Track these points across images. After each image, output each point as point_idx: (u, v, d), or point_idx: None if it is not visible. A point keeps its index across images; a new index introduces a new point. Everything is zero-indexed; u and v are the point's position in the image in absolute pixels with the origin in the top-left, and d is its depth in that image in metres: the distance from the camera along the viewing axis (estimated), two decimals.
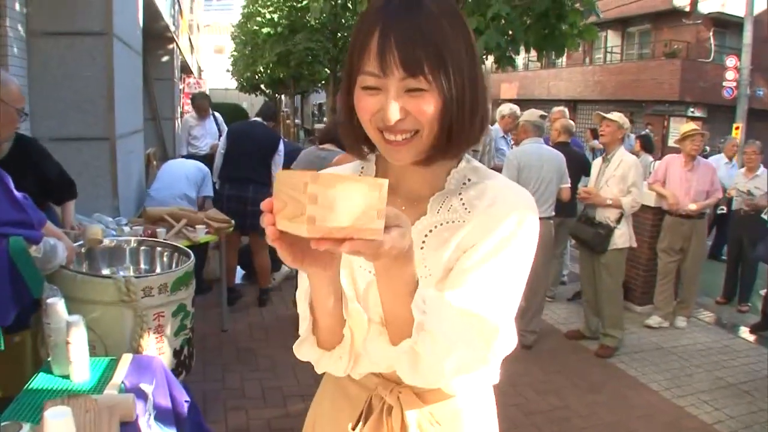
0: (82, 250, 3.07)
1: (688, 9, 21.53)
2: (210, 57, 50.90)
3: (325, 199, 0.69)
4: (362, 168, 1.19)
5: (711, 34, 22.13)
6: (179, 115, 12.06)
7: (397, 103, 0.95)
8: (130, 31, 5.42)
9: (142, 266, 3.23)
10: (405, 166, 1.04)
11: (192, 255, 3.12)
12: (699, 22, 21.71)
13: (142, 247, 3.27)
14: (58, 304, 2.23)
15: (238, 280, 6.01)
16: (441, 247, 1.04)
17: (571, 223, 5.34)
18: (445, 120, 0.97)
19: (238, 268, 5.98)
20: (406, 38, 0.92)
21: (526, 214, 1.03)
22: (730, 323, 6.00)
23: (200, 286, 5.64)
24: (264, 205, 0.79)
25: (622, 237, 4.78)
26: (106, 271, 3.13)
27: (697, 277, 5.73)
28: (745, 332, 5.70)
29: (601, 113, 4.94)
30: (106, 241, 3.19)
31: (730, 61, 19.11)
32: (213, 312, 5.17)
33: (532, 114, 4.98)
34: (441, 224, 1.06)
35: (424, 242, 1.06)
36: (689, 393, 4.31)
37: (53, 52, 4.44)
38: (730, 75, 19.01)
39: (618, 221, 4.76)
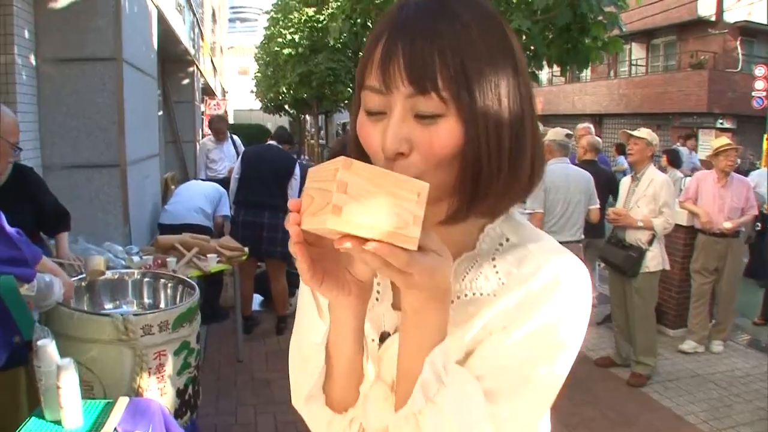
0: (83, 284, 2.94)
1: (714, 19, 21.16)
2: (234, 78, 51.60)
3: (355, 188, 0.61)
4: None
5: (738, 43, 21.70)
6: (201, 137, 12.07)
7: (400, 129, 0.73)
8: (143, 56, 5.36)
9: (146, 300, 3.10)
10: None
11: (197, 289, 2.97)
12: (725, 31, 21.32)
13: (146, 279, 3.14)
14: (48, 347, 2.12)
15: (255, 306, 5.87)
16: (464, 324, 0.82)
17: (600, 244, 5.13)
18: (467, 161, 0.74)
19: (256, 294, 5.85)
20: (416, 42, 0.71)
21: (577, 294, 0.80)
22: None
23: (217, 313, 5.56)
24: (291, 204, 0.68)
25: (655, 260, 4.54)
26: (108, 305, 3.01)
27: (734, 298, 5.47)
28: None
29: (628, 131, 4.71)
30: (109, 274, 3.06)
31: (759, 71, 18.70)
32: (229, 341, 5.04)
33: (558, 133, 4.76)
34: (466, 295, 0.83)
35: None
36: (729, 426, 4.04)
37: (63, 78, 4.38)
38: (759, 85, 18.58)
39: (650, 243, 4.53)
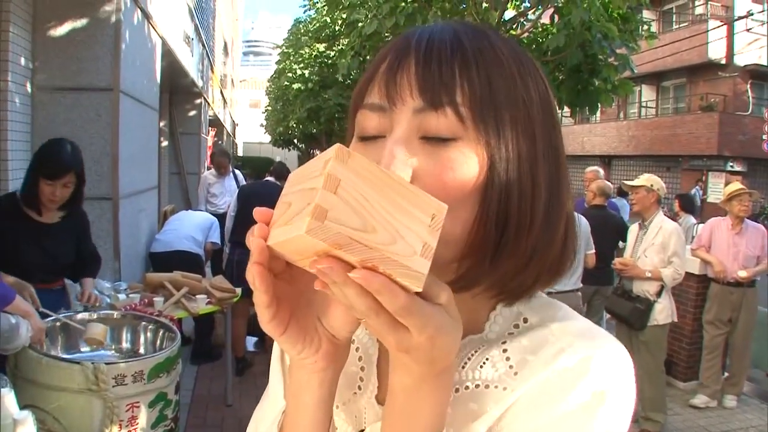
0: (58, 324, 2.77)
1: (724, 62, 21.21)
2: (246, 111, 52.12)
3: (349, 189, 0.45)
4: None
5: (748, 86, 21.73)
6: (206, 169, 12.04)
7: (402, 150, 0.56)
8: (143, 87, 5.27)
9: (124, 345, 2.92)
10: None
11: (178, 335, 2.79)
12: (736, 74, 21.34)
13: (126, 321, 2.96)
14: (6, 397, 1.95)
15: (249, 347, 5.68)
16: (464, 425, 0.63)
17: (607, 292, 4.93)
18: (488, 202, 0.57)
19: (250, 335, 5.67)
20: (433, 52, 0.58)
21: (615, 377, 0.60)
22: None
23: (209, 353, 5.37)
24: (259, 213, 0.52)
25: (663, 312, 4.33)
26: (85, 349, 2.83)
27: (748, 350, 5.24)
28: None
29: (625, 181, 4.54)
30: (85, 315, 2.89)
31: None
32: (218, 383, 4.83)
33: None
34: (467, 387, 0.64)
35: None
36: None
37: (57, 107, 4.28)
38: None
39: (658, 294, 4.32)
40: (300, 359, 0.58)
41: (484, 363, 0.64)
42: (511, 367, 0.63)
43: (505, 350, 0.64)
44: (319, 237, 0.44)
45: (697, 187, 19.44)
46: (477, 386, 0.64)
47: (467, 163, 0.56)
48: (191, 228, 5.35)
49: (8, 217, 2.86)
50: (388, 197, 0.46)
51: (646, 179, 4.45)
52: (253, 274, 0.51)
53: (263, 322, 0.53)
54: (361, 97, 0.63)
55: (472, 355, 0.65)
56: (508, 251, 0.59)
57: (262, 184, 5.48)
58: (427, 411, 0.54)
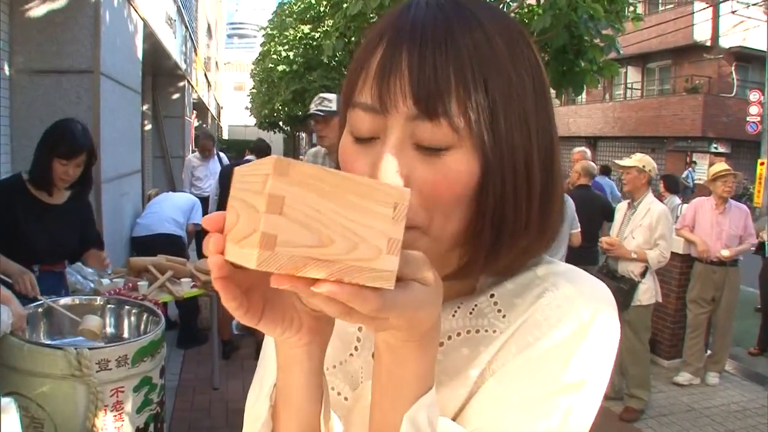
0: (40, 310, 2.74)
1: (709, 44, 21.29)
2: (230, 94, 51.69)
3: (297, 205, 0.42)
4: None
5: (733, 68, 21.86)
6: (190, 153, 11.96)
7: (396, 160, 0.56)
8: (125, 70, 5.20)
9: (108, 329, 2.89)
10: None
11: (162, 319, 2.78)
12: (720, 56, 21.43)
13: (110, 306, 2.94)
14: None
15: (236, 330, 5.67)
16: (457, 369, 0.64)
17: (592, 271, 4.94)
18: (485, 206, 0.58)
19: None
20: (426, 50, 0.55)
21: (597, 311, 0.62)
22: (766, 378, 5.51)
23: (195, 336, 5.35)
24: (209, 220, 0.49)
25: (647, 293, 4.36)
26: (69, 334, 2.80)
27: (730, 329, 5.31)
28: None
29: (617, 162, 4.53)
30: (69, 300, 2.86)
31: (754, 96, 18.81)
32: (205, 366, 4.83)
33: None
34: (458, 333, 0.66)
35: None
36: None
37: (37, 90, 4.21)
38: (753, 110, 18.67)
39: (642, 275, 4.35)
40: (283, 339, 0.57)
41: (473, 310, 0.66)
42: (499, 311, 0.65)
43: (492, 295, 0.66)
44: (272, 267, 0.41)
45: (689, 169, 19.57)
46: (468, 332, 0.65)
47: (462, 171, 0.56)
48: (172, 210, 5.32)
49: (14, 198, 2.87)
50: (342, 200, 0.43)
51: (638, 160, 4.42)
52: (217, 287, 0.49)
53: (238, 318, 0.52)
54: (352, 90, 0.61)
55: (461, 305, 0.67)
56: (505, 250, 0.61)
57: (243, 163, 5.45)
58: (413, 369, 0.54)
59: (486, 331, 0.65)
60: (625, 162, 4.45)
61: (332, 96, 3.51)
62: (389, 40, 0.57)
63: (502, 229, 0.59)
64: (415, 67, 0.55)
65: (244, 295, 0.51)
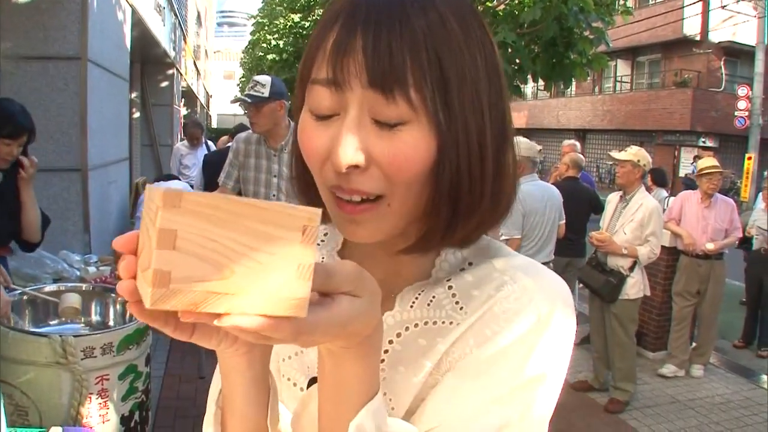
0: (25, 298, 2.73)
1: (698, 38, 21.38)
2: (220, 83, 51.37)
3: (191, 237, 0.39)
4: (325, 235, 0.79)
5: (722, 63, 21.96)
6: (179, 141, 11.90)
7: (355, 136, 0.57)
8: (113, 57, 5.15)
9: (94, 317, 2.88)
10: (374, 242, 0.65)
11: None
12: (710, 51, 21.53)
13: (95, 294, 2.92)
14: None
15: None
16: (414, 361, 0.65)
17: (579, 264, 4.97)
18: (442, 181, 0.59)
19: None
20: (380, 28, 0.56)
21: (555, 305, 0.63)
22: (750, 371, 5.59)
23: None
24: (119, 242, 0.46)
25: (635, 287, 4.37)
26: (53, 322, 2.79)
27: (715, 321, 5.35)
28: (766, 381, 5.29)
29: (612, 154, 4.50)
30: (54, 287, 2.85)
31: (742, 91, 18.91)
32: (192, 355, 4.81)
33: (531, 149, 4.42)
34: (416, 324, 0.66)
35: (386, 352, 0.67)
36: None
37: (24, 77, 4.16)
38: (741, 104, 18.78)
39: (631, 269, 4.36)
40: (221, 350, 0.57)
41: (430, 301, 0.67)
42: (457, 303, 0.66)
43: (450, 287, 0.67)
44: (169, 304, 0.39)
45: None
46: (425, 323, 0.66)
47: (419, 146, 0.57)
48: None
49: None
50: (241, 228, 0.41)
51: (633, 154, 4.37)
52: (133, 314, 0.47)
53: (168, 334, 0.49)
54: (310, 67, 0.61)
55: (419, 295, 0.67)
56: (461, 223, 0.62)
57: (226, 150, 5.37)
58: (355, 373, 0.54)
59: (443, 322, 0.65)
60: (621, 155, 4.42)
61: (266, 80, 3.35)
62: (345, 20, 0.58)
63: (458, 203, 0.61)
64: (369, 45, 0.56)
65: (170, 320, 0.47)
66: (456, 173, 0.59)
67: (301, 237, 0.42)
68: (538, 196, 4.31)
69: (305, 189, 0.71)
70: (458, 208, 0.61)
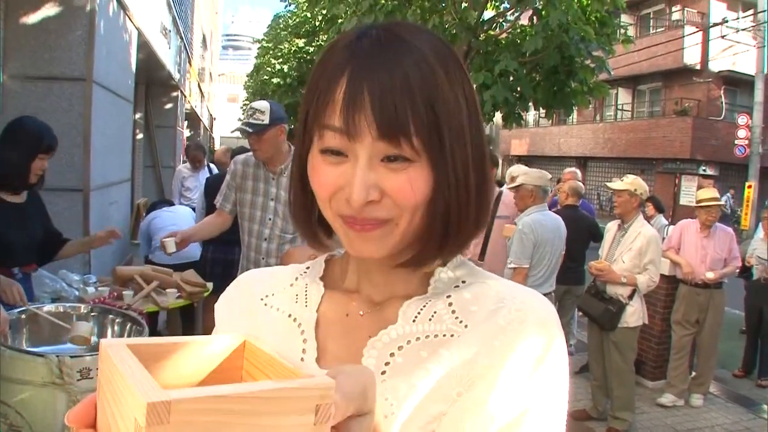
0: (23, 317, 2.72)
1: (699, 67, 21.53)
2: (223, 105, 51.70)
3: None
4: (305, 270, 0.84)
5: (722, 92, 22.09)
6: (181, 163, 11.95)
7: (369, 177, 0.65)
8: (118, 78, 5.21)
9: (91, 338, 2.87)
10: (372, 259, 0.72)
11: (146, 329, 2.76)
12: (710, 80, 21.67)
13: (93, 314, 2.92)
14: None
15: None
16: (415, 371, 0.68)
17: (578, 291, 4.97)
18: (436, 210, 0.68)
19: None
20: (384, 87, 0.64)
21: (553, 330, 0.69)
22: (750, 400, 5.55)
23: None
24: (74, 417, 0.43)
25: (634, 315, 4.35)
26: (51, 342, 2.77)
27: (715, 351, 5.33)
28: (766, 411, 5.26)
29: (609, 185, 4.51)
30: (52, 307, 2.85)
31: (742, 120, 19.01)
32: None
33: (543, 178, 4.41)
34: (418, 338, 0.71)
35: (388, 364, 0.70)
36: None
37: (28, 96, 4.21)
38: (741, 133, 18.86)
39: (630, 297, 4.35)
40: None
41: (432, 316, 0.72)
42: (457, 317, 0.71)
43: (450, 303, 0.73)
44: None
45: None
46: (427, 337, 0.71)
47: (420, 181, 0.66)
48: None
49: None
50: (244, 422, 0.36)
51: (629, 183, 4.38)
52: None
53: None
54: (318, 113, 0.67)
55: (421, 310, 0.73)
56: (452, 240, 0.70)
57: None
58: None
59: (444, 335, 0.70)
60: (617, 185, 4.43)
61: (264, 106, 3.34)
62: (351, 74, 0.65)
63: (449, 225, 0.69)
64: (377, 104, 0.63)
65: None
66: (447, 203, 0.68)
67: (314, 418, 0.38)
68: (549, 227, 4.26)
69: (298, 215, 0.78)
70: (449, 229, 0.69)
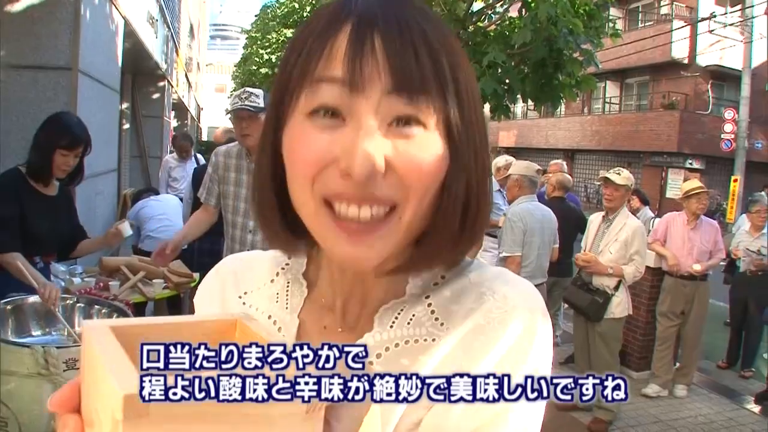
0: (8, 308, 2.71)
1: (686, 61, 21.61)
2: (211, 96, 51.37)
3: None
4: (286, 264, 0.75)
5: (709, 86, 22.19)
6: (168, 153, 11.89)
7: (377, 140, 0.53)
8: (104, 68, 5.16)
9: (77, 329, 2.86)
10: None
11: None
12: (697, 74, 21.77)
13: (79, 305, 2.91)
14: None
15: None
16: None
17: (565, 283, 5.00)
18: (451, 193, 0.58)
19: None
20: (401, 33, 0.53)
21: (536, 318, 0.62)
22: (733, 391, 5.62)
23: None
24: (57, 401, 0.41)
25: (620, 306, 4.40)
26: (36, 332, 2.77)
27: (699, 342, 5.38)
28: (749, 402, 5.32)
29: (607, 176, 4.51)
30: (36, 298, 2.83)
31: (729, 114, 19.15)
32: None
33: (530, 168, 4.49)
34: (396, 344, 0.64)
35: None
36: None
37: (13, 85, 4.16)
38: (728, 127, 19.01)
39: (616, 288, 4.40)
40: None
41: (410, 320, 0.65)
42: (437, 319, 0.64)
43: (429, 304, 0.66)
44: None
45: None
46: (407, 342, 0.64)
47: (436, 148, 0.56)
48: (179, 217, 4.98)
49: (20, 190, 2.95)
50: (231, 411, 0.34)
51: (626, 178, 4.39)
52: None
53: None
54: (306, 70, 0.56)
55: (399, 314, 0.66)
56: (468, 232, 0.61)
57: None
58: None
59: (425, 340, 0.64)
60: (619, 180, 4.41)
61: (259, 92, 3.34)
62: (358, 17, 0.55)
63: (468, 213, 0.60)
64: (394, 45, 0.53)
65: None
66: (467, 183, 0.59)
67: (306, 407, 0.37)
68: (537, 217, 4.33)
69: (262, 209, 0.66)
70: (467, 218, 0.60)
